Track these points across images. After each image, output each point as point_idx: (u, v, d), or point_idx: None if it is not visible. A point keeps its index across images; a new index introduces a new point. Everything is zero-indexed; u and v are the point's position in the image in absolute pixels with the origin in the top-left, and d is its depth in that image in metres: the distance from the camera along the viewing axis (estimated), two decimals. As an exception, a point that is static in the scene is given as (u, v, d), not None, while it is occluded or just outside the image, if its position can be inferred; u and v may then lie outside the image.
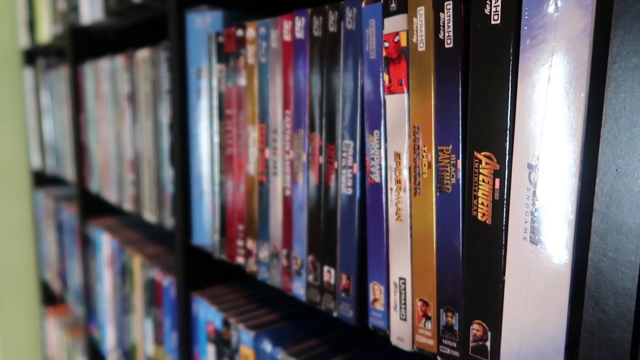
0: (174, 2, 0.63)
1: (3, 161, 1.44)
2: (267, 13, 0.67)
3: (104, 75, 0.91)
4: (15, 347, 1.51)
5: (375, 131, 0.39)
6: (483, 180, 0.32)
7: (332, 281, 0.45)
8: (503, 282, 0.31)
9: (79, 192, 1.07)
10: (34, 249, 1.52)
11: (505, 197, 0.31)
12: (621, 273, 0.25)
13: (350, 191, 0.42)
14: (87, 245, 1.08)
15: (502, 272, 0.31)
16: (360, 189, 0.42)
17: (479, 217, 0.32)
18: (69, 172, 1.18)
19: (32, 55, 1.43)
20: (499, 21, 0.30)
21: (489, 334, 0.32)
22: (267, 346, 0.54)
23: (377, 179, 0.40)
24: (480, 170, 0.32)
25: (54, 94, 1.25)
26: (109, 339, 1.01)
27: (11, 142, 1.45)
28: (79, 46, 1.02)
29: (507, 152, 0.31)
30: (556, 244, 0.28)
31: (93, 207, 1.10)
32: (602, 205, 0.26)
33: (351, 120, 0.42)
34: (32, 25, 1.32)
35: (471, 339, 0.33)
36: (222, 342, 0.62)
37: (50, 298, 1.54)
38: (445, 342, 0.36)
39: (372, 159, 0.40)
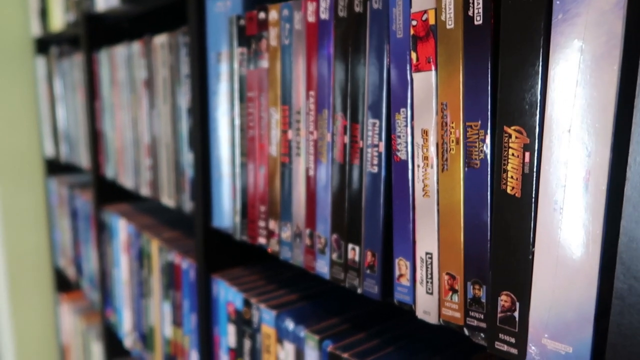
0: (194, -14, 0.63)
1: (16, 149, 1.45)
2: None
3: (119, 61, 0.92)
4: (30, 333, 1.54)
5: (402, 109, 0.40)
6: (513, 154, 0.33)
7: (357, 258, 0.46)
8: (532, 253, 0.32)
9: (94, 179, 1.08)
10: (47, 236, 1.54)
11: (535, 170, 0.32)
12: (654, 239, 0.26)
13: (375, 169, 0.43)
14: (103, 231, 1.10)
15: (532, 243, 0.32)
16: (386, 167, 0.43)
17: (508, 191, 0.33)
18: (83, 159, 1.19)
19: (45, 44, 1.44)
20: (530, -3, 0.31)
21: (518, 304, 0.33)
22: (290, 324, 0.55)
23: (403, 157, 0.40)
24: (510, 145, 0.33)
25: (66, 81, 1.26)
26: (125, 323, 1.03)
27: (24, 130, 1.46)
28: (93, 33, 1.03)
29: (537, 126, 0.31)
30: (588, 214, 0.29)
31: (107, 193, 1.11)
32: (635, 174, 0.26)
33: (377, 99, 0.42)
34: (44, 13, 1.33)
35: (499, 310, 0.34)
36: (243, 321, 0.63)
37: (63, 285, 1.56)
38: (472, 314, 0.36)
39: (399, 136, 0.41)
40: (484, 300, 0.36)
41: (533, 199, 0.32)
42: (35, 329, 1.55)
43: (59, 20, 1.23)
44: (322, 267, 0.50)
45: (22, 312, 1.51)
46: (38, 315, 1.55)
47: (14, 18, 1.41)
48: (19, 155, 1.46)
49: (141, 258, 0.92)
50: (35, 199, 1.50)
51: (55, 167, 1.51)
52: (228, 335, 0.67)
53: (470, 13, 0.34)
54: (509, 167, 0.33)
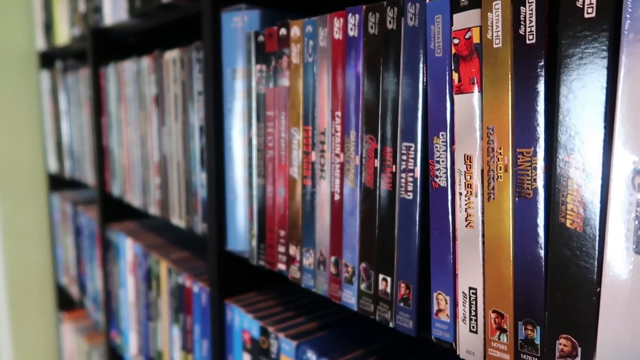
0: (209, 1, 0.61)
1: (19, 165, 1.43)
2: (303, 12, 0.65)
3: (128, 77, 0.90)
4: (30, 352, 1.50)
5: (441, 133, 0.37)
6: (573, 185, 0.30)
7: (389, 290, 0.43)
8: (598, 294, 0.29)
9: (99, 196, 1.06)
10: (50, 253, 1.50)
11: (600, 202, 0.29)
12: None
13: (410, 196, 0.40)
14: (108, 250, 1.06)
15: (597, 283, 0.29)
16: (422, 194, 0.40)
17: (568, 224, 0.30)
18: (88, 175, 1.16)
19: (49, 58, 1.42)
20: (593, 14, 0.28)
21: (579, 350, 0.30)
22: (312, 356, 0.52)
23: (442, 183, 0.38)
24: (570, 174, 0.30)
25: (71, 96, 1.23)
26: (131, 346, 0.99)
27: (28, 145, 1.43)
28: (100, 48, 1.01)
29: (602, 155, 0.28)
30: (664, 254, 0.26)
31: (112, 211, 1.08)
32: None
33: (411, 122, 0.40)
34: (49, 27, 1.31)
35: (557, 354, 0.31)
36: (260, 351, 0.60)
37: (66, 303, 1.52)
38: (524, 357, 0.33)
39: (437, 162, 0.38)
40: (538, 342, 0.33)
41: (598, 234, 0.29)
42: (37, 348, 1.51)
43: (64, 34, 1.21)
44: (349, 297, 0.47)
45: (23, 330, 1.48)
46: (39, 334, 1.51)
47: (19, 32, 1.39)
48: (22, 170, 1.43)
49: (149, 279, 0.89)
50: (38, 214, 1.47)
51: (58, 183, 1.48)
52: (243, 365, 0.64)
53: (521, 31, 0.32)
54: (568, 199, 0.30)
